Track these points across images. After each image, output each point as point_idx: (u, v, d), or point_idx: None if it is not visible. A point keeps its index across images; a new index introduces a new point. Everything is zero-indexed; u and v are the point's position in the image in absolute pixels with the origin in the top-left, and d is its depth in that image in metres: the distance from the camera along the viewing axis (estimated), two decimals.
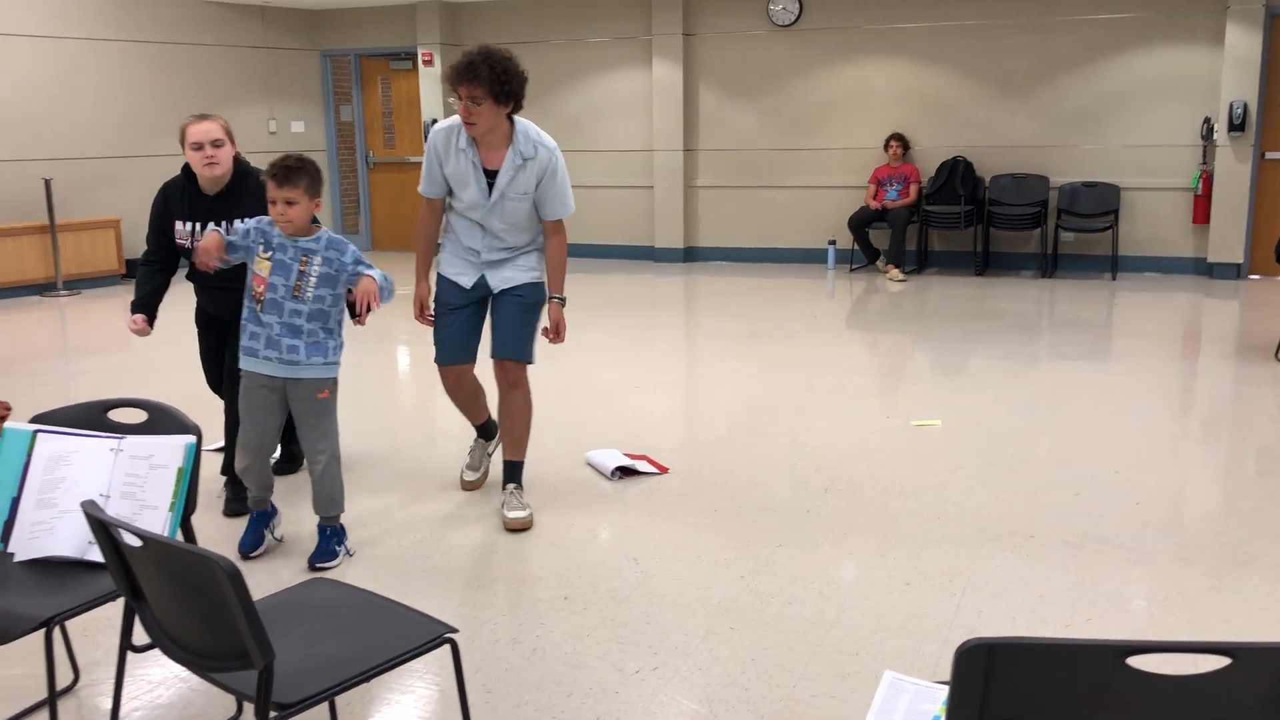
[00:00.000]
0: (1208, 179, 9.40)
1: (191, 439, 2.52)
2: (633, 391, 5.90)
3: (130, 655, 2.36)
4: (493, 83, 3.56)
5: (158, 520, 2.48)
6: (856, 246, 10.32)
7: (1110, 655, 1.38)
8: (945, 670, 2.83)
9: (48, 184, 9.46)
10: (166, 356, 6.57)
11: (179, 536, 2.49)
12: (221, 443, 4.18)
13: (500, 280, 3.90)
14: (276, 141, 12.00)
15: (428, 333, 4.04)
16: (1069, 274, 9.90)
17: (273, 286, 3.43)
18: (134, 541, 1.92)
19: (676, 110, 11.03)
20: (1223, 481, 4.34)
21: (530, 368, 3.97)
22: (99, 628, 3.13)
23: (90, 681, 2.86)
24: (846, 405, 5.51)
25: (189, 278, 3.95)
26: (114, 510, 2.49)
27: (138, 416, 2.67)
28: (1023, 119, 10.01)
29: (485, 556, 3.66)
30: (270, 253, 3.45)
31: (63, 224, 9.66)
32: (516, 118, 3.78)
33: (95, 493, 2.52)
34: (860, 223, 10.12)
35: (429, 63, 11.79)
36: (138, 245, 5.45)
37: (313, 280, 3.45)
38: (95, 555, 2.47)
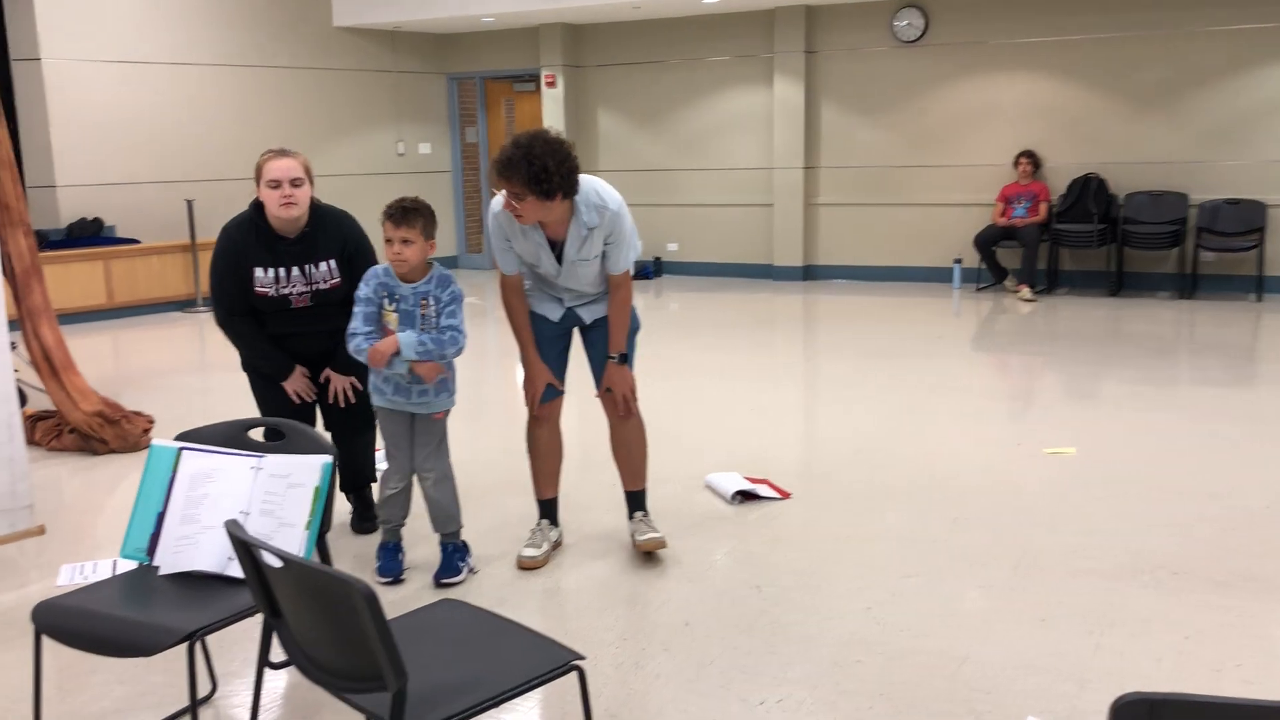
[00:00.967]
0: None
1: (328, 459, 2.57)
2: (751, 413, 5.84)
3: (266, 670, 2.42)
4: (530, 182, 3.30)
5: (294, 538, 2.54)
6: (983, 265, 10.07)
7: None
8: (1084, 712, 2.72)
9: (190, 205, 9.88)
10: None
11: (314, 555, 2.54)
12: None
13: (591, 313, 3.76)
14: (404, 163, 12.31)
15: None
16: (1210, 295, 9.48)
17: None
18: (274, 562, 1.96)
19: (798, 127, 10.95)
20: None
21: (644, 388, 3.92)
22: (235, 640, 3.22)
23: (227, 693, 2.94)
24: (975, 430, 5.36)
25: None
26: (253, 527, 2.56)
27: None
28: (1159, 134, 9.64)
29: (606, 579, 3.66)
30: (395, 304, 3.48)
31: (203, 243, 10.06)
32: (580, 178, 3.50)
33: (236, 510, 2.59)
34: (987, 241, 9.88)
35: (551, 84, 11.96)
36: None
37: (434, 321, 3.49)
38: (235, 570, 2.54)
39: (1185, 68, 9.47)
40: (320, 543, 2.56)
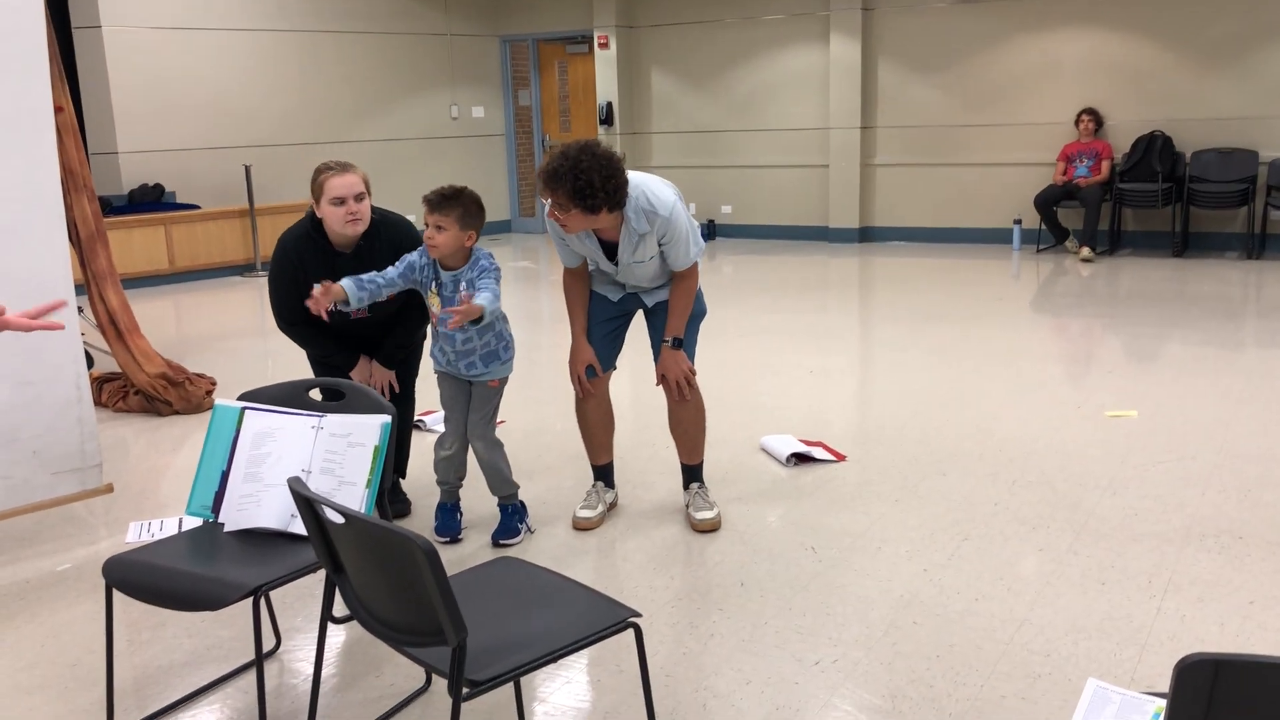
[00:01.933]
0: None
1: (387, 418, 2.60)
2: (807, 375, 5.82)
3: (329, 625, 2.47)
4: (575, 196, 3.24)
5: (355, 496, 2.58)
6: (1044, 226, 9.89)
7: None
8: (1146, 677, 2.69)
9: (248, 170, 10.00)
10: None
11: (374, 513, 2.58)
12: None
13: (654, 297, 3.74)
14: (458, 127, 12.34)
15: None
16: (1279, 255, 9.24)
17: (440, 320, 3.49)
18: (336, 518, 1.99)
19: (854, 87, 10.79)
20: None
21: (700, 350, 3.89)
22: (299, 595, 3.29)
23: (291, 646, 3.01)
24: (1034, 393, 5.29)
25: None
26: (314, 485, 2.60)
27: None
28: (1228, 90, 9.37)
29: (660, 540, 3.67)
30: (439, 288, 3.50)
31: (261, 208, 10.19)
32: (630, 183, 3.40)
33: (298, 468, 2.64)
34: (1048, 201, 9.70)
35: (605, 46, 11.89)
36: None
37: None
38: (297, 528, 2.59)
39: (1255, 21, 9.18)
40: (380, 501, 2.60)
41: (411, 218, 3.95)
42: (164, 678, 2.86)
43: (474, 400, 3.63)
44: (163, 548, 2.57)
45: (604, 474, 3.92)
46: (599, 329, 3.75)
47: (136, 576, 2.45)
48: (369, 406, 2.70)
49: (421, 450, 4.64)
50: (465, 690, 1.92)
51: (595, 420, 3.84)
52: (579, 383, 3.75)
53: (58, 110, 4.46)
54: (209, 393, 5.59)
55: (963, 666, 2.77)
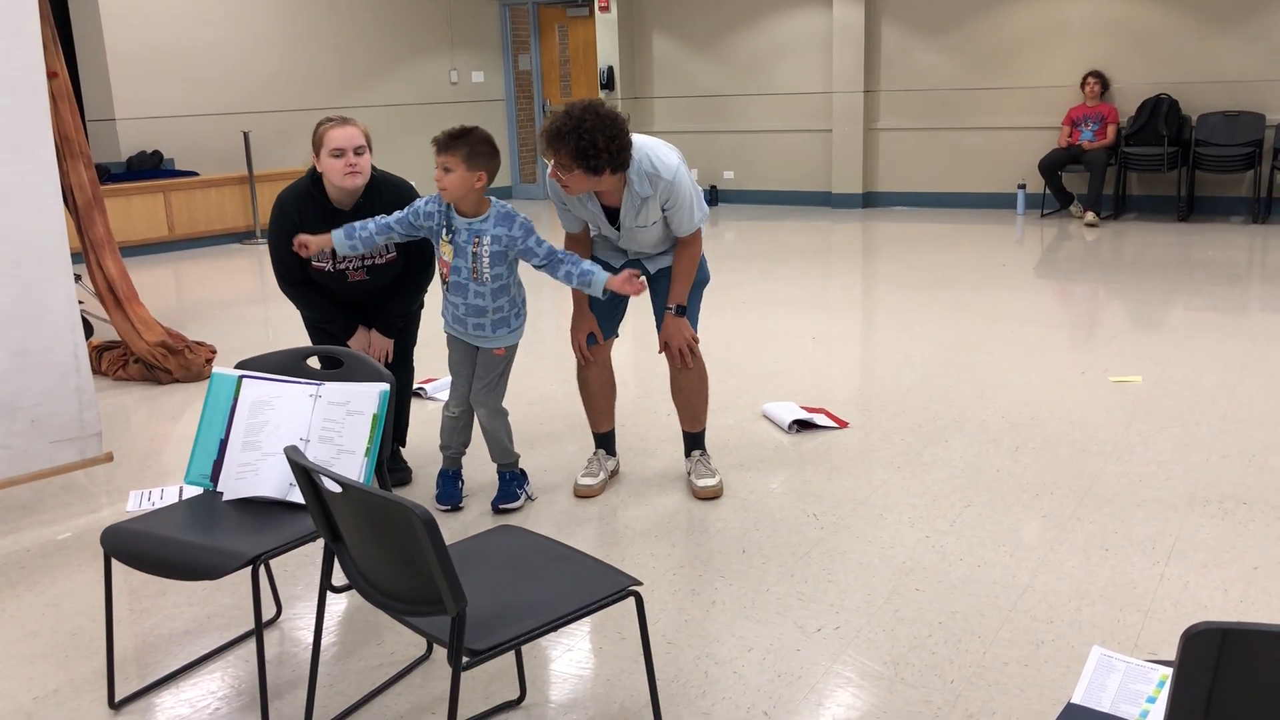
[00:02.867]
0: None
1: (385, 386, 2.58)
2: (810, 342, 5.79)
3: (328, 594, 2.46)
4: (578, 156, 3.20)
5: (354, 464, 2.56)
6: (1048, 190, 9.83)
7: None
8: (1149, 643, 2.68)
9: (246, 136, 9.93)
10: None
11: (374, 481, 2.56)
12: None
13: (656, 264, 3.69)
14: (457, 92, 12.24)
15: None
16: None
17: (455, 269, 3.43)
18: (334, 487, 1.97)
19: (857, 50, 10.69)
20: None
21: (702, 316, 3.86)
22: (299, 564, 3.28)
23: (291, 615, 3.00)
24: (1038, 359, 5.26)
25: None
26: (313, 454, 2.58)
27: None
28: (1235, 51, 9.27)
29: (662, 508, 3.66)
30: (450, 235, 3.42)
31: (260, 175, 10.13)
32: (633, 146, 3.35)
33: (296, 437, 2.62)
34: (1052, 165, 9.63)
35: (605, 9, 11.77)
36: None
37: (486, 260, 3.41)
38: (296, 496, 2.57)
39: None
40: (379, 469, 2.58)
41: (413, 183, 3.91)
42: (164, 646, 2.85)
43: (479, 367, 3.58)
44: (162, 517, 2.56)
45: (605, 442, 3.90)
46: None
47: (135, 545, 2.44)
48: (368, 374, 2.67)
49: (422, 419, 4.62)
50: (465, 659, 1.91)
51: (597, 388, 3.82)
52: (580, 350, 3.72)
53: (52, 76, 4.41)
54: (209, 361, 5.57)
55: (965, 633, 2.76)
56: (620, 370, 4.14)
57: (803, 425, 4.39)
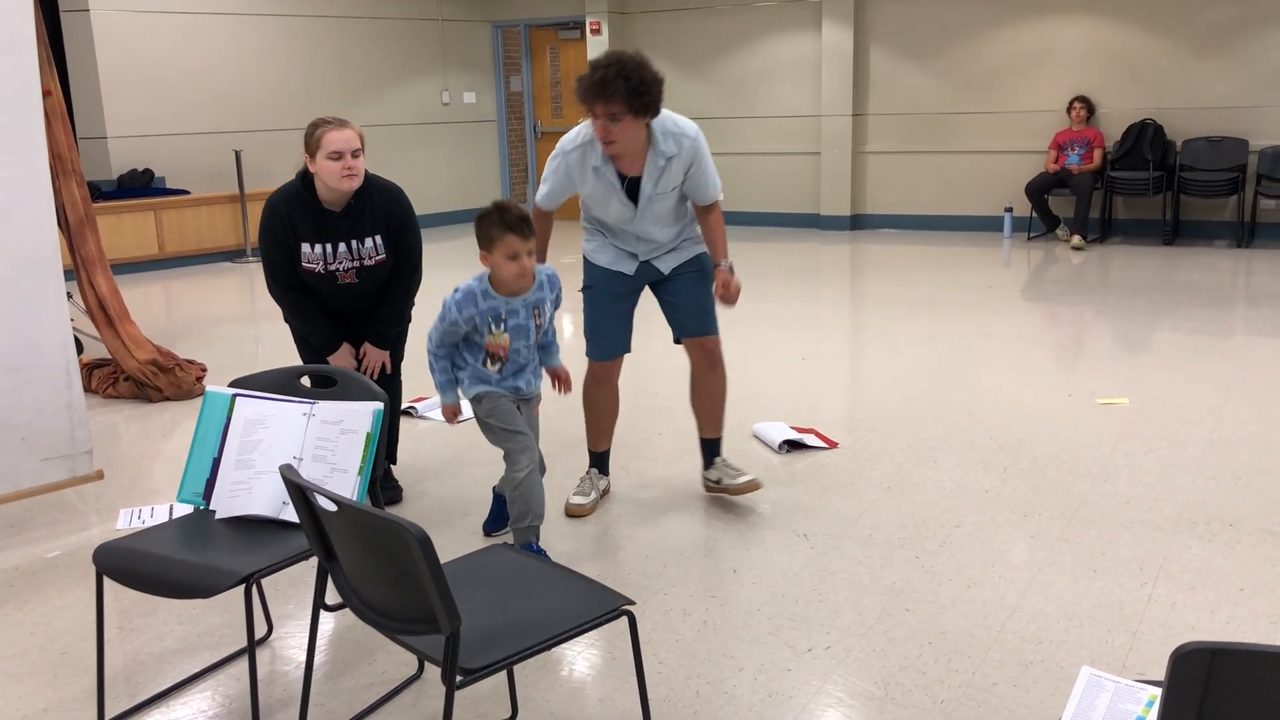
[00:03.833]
0: None
1: (379, 405, 2.59)
2: (799, 363, 5.81)
3: (321, 612, 2.46)
4: (630, 96, 3.20)
5: (347, 483, 2.57)
6: (1034, 214, 9.90)
7: None
8: (1137, 664, 2.70)
9: (238, 155, 9.94)
10: None
11: (367, 500, 2.56)
12: None
13: (667, 263, 3.67)
14: (449, 113, 12.28)
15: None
16: (1269, 244, 9.27)
17: (515, 351, 3.19)
18: (328, 505, 1.98)
19: (846, 74, 10.77)
20: None
21: None
22: (291, 582, 3.28)
23: (283, 634, 3.00)
24: (1026, 381, 5.30)
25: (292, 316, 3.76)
26: (306, 472, 2.59)
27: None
28: (1219, 78, 9.37)
29: (654, 527, 3.67)
30: (504, 322, 3.14)
31: (252, 193, 10.13)
32: None
33: (289, 455, 2.62)
34: (1039, 189, 9.70)
35: (596, 31, 11.84)
36: None
37: (546, 320, 3.26)
38: (289, 515, 2.57)
39: (1246, 9, 9.18)
40: (372, 488, 2.59)
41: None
42: (155, 665, 2.85)
43: (530, 419, 3.32)
44: (154, 535, 2.56)
45: (600, 461, 3.91)
46: (614, 308, 3.67)
47: (127, 563, 2.43)
48: (361, 393, 2.68)
49: (413, 437, 4.63)
50: (459, 678, 1.92)
51: (603, 406, 3.81)
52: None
53: (46, 94, 4.42)
54: (199, 379, 5.57)
55: (955, 654, 2.78)
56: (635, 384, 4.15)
57: (793, 445, 4.41)
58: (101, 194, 9.26)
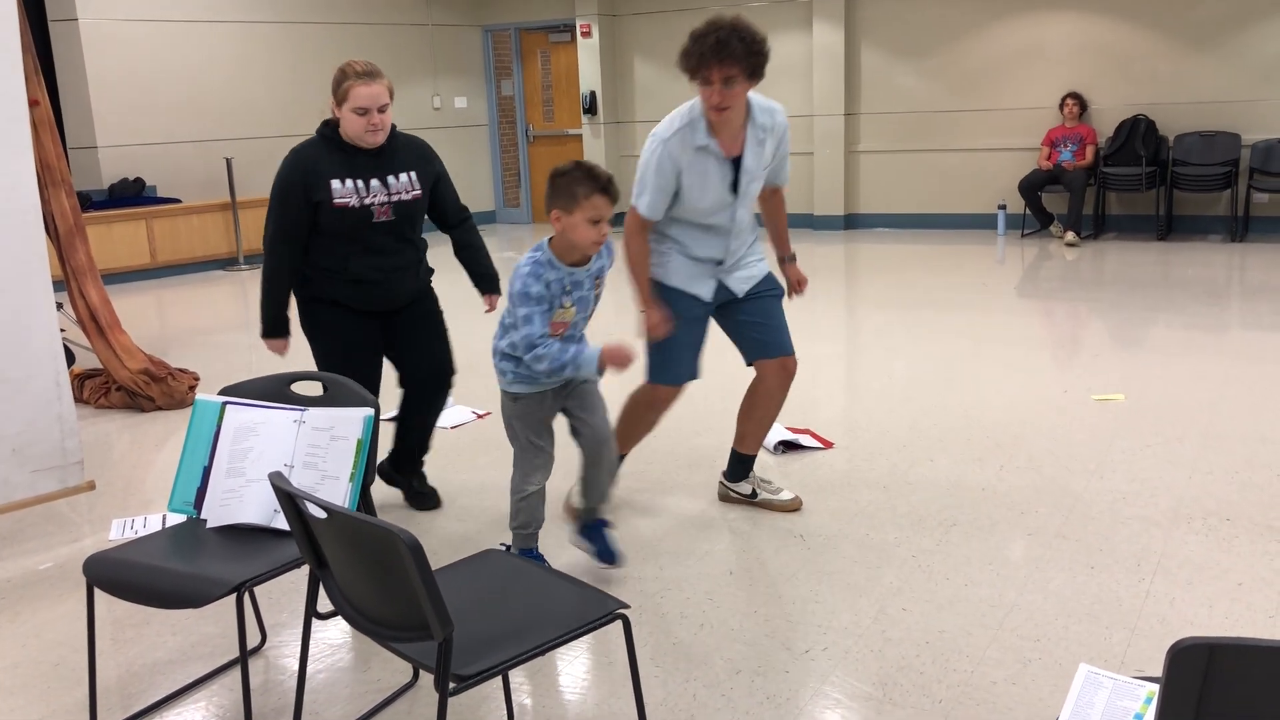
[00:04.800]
0: None
1: (370, 411, 2.57)
2: None
3: (314, 621, 2.44)
4: (749, 57, 3.09)
5: (339, 490, 2.55)
6: (1028, 211, 9.90)
7: None
8: (1136, 660, 2.68)
9: (229, 163, 9.92)
10: None
11: (359, 507, 2.55)
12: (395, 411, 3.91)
13: (740, 281, 3.53)
14: (440, 117, 12.27)
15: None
16: (1262, 237, 9.27)
17: (574, 325, 3.02)
18: (319, 513, 1.96)
19: (838, 73, 10.77)
20: None
21: None
22: (284, 591, 3.26)
23: (277, 643, 2.98)
24: (1021, 378, 5.29)
25: (321, 265, 3.54)
26: (297, 480, 2.57)
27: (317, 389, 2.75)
28: (1211, 73, 9.38)
29: (649, 531, 3.65)
30: (572, 293, 2.97)
31: (243, 201, 10.11)
32: None
33: (280, 463, 2.61)
34: (1032, 186, 9.70)
35: (587, 34, 11.83)
36: None
37: (602, 291, 3.13)
38: (280, 523, 2.56)
39: (1237, 3, 9.19)
40: (364, 495, 2.57)
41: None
42: (148, 676, 2.83)
43: (589, 398, 3.12)
44: (145, 545, 2.54)
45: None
46: (690, 334, 3.50)
47: (119, 574, 2.42)
48: (350, 400, 2.66)
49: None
50: (452, 685, 1.90)
51: (650, 429, 3.69)
52: (655, 328, 3.41)
53: (34, 104, 4.41)
54: (191, 388, 5.54)
55: (953, 653, 2.76)
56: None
57: (788, 446, 4.39)
58: (93, 203, 9.24)
